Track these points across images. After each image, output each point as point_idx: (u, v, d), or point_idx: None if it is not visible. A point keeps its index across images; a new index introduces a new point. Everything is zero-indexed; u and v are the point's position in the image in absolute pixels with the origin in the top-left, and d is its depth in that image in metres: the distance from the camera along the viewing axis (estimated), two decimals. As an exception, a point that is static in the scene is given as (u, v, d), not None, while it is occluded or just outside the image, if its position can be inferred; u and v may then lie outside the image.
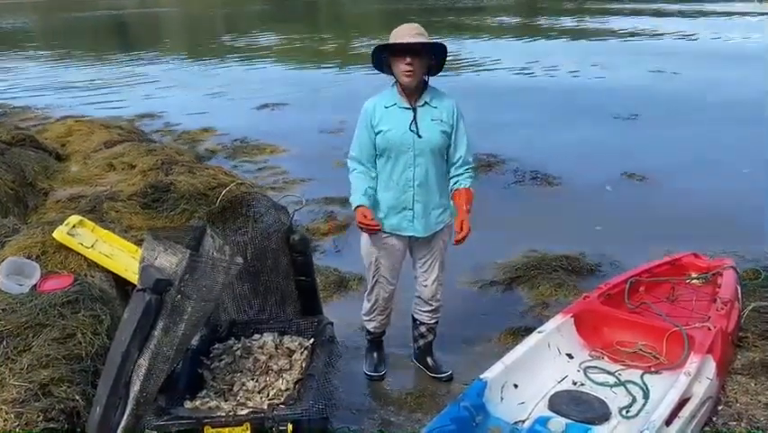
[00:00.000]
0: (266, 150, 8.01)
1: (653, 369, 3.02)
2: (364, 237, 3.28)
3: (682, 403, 2.63)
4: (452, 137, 3.11)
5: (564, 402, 2.82)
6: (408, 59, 2.94)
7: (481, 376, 2.82)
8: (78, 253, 3.65)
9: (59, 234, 3.69)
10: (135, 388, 2.38)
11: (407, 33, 2.96)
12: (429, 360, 3.51)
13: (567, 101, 10.21)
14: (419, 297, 3.40)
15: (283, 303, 3.27)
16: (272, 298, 3.25)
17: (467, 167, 3.16)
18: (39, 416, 2.51)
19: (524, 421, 2.74)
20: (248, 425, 2.49)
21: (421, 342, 3.52)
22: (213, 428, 2.48)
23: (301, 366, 2.89)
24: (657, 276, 3.75)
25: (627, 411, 2.78)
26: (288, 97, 11.23)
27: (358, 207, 3.05)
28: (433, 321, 3.46)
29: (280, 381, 2.80)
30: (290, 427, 2.47)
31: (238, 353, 2.97)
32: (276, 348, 3.01)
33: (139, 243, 3.86)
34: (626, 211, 5.65)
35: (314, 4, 38.95)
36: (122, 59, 18.21)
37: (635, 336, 3.19)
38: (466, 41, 17.76)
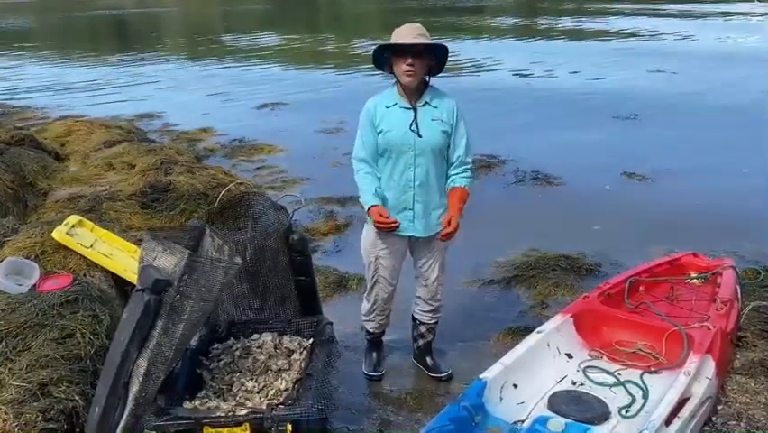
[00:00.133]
0: (264, 149, 8.01)
1: (652, 369, 3.02)
2: (364, 237, 3.28)
3: (682, 403, 2.64)
4: (452, 137, 3.11)
5: (564, 402, 2.82)
6: (410, 60, 2.94)
7: (481, 376, 2.82)
8: (78, 253, 3.65)
9: (59, 233, 3.69)
10: (134, 388, 2.38)
11: (409, 34, 2.96)
12: (428, 360, 3.51)
13: (567, 101, 10.21)
14: (419, 297, 3.40)
15: (282, 303, 3.26)
16: (271, 298, 3.25)
17: (464, 167, 3.15)
18: (38, 416, 2.52)
19: (523, 421, 2.74)
20: (247, 425, 2.49)
21: (420, 342, 3.52)
22: (212, 428, 2.48)
23: (300, 366, 2.89)
24: (657, 276, 3.75)
25: (627, 411, 2.78)
26: (288, 97, 11.23)
27: (372, 206, 3.05)
28: (433, 321, 3.46)
29: (279, 381, 2.80)
30: (289, 427, 2.47)
31: (237, 353, 2.97)
32: (275, 348, 3.01)
33: (138, 242, 3.86)
34: (626, 211, 5.65)
35: (314, 3, 38.94)
36: (121, 58, 18.20)
37: (634, 336, 3.18)
38: (466, 42, 17.75)
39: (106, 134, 7.61)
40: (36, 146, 6.56)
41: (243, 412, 2.56)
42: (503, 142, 7.54)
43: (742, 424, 2.91)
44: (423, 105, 3.07)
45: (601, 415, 2.75)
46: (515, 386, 2.87)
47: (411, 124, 3.04)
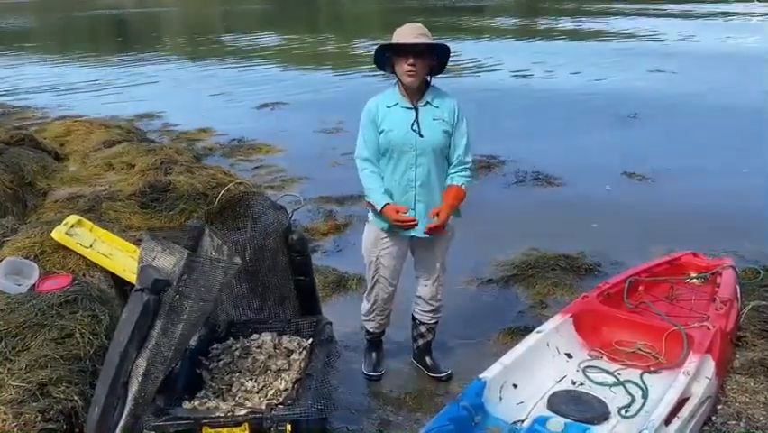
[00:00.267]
0: (263, 149, 8.01)
1: (652, 368, 3.02)
2: (365, 237, 3.27)
3: (681, 403, 2.63)
4: (452, 136, 3.11)
5: (563, 402, 2.81)
6: (411, 60, 2.94)
7: (480, 376, 2.82)
8: (77, 253, 3.65)
9: (58, 233, 3.69)
10: (134, 388, 2.37)
11: (411, 34, 2.96)
12: (428, 360, 3.51)
13: (567, 102, 10.20)
14: (420, 296, 3.40)
15: (282, 303, 3.26)
16: (271, 298, 3.24)
17: (463, 166, 3.14)
18: (37, 416, 2.51)
19: (523, 421, 2.74)
20: (246, 425, 2.48)
21: (420, 342, 3.52)
22: (211, 428, 2.48)
23: (300, 366, 2.88)
24: (656, 276, 3.75)
25: (626, 411, 2.78)
26: (288, 98, 11.23)
27: (386, 205, 3.05)
28: (433, 321, 3.46)
29: (279, 381, 2.79)
30: (289, 427, 2.47)
31: (237, 353, 2.96)
32: (274, 348, 3.00)
33: (137, 242, 3.86)
34: (626, 211, 5.65)
35: (314, 3, 38.93)
36: (121, 58, 18.19)
37: (634, 336, 3.18)
38: (466, 42, 17.74)
39: (106, 134, 7.61)
40: (35, 146, 6.55)
41: (243, 412, 2.56)
42: (503, 143, 7.54)
43: (741, 424, 2.91)
44: (424, 105, 3.07)
45: (601, 415, 2.75)
46: (514, 386, 2.87)
47: (412, 124, 3.04)
